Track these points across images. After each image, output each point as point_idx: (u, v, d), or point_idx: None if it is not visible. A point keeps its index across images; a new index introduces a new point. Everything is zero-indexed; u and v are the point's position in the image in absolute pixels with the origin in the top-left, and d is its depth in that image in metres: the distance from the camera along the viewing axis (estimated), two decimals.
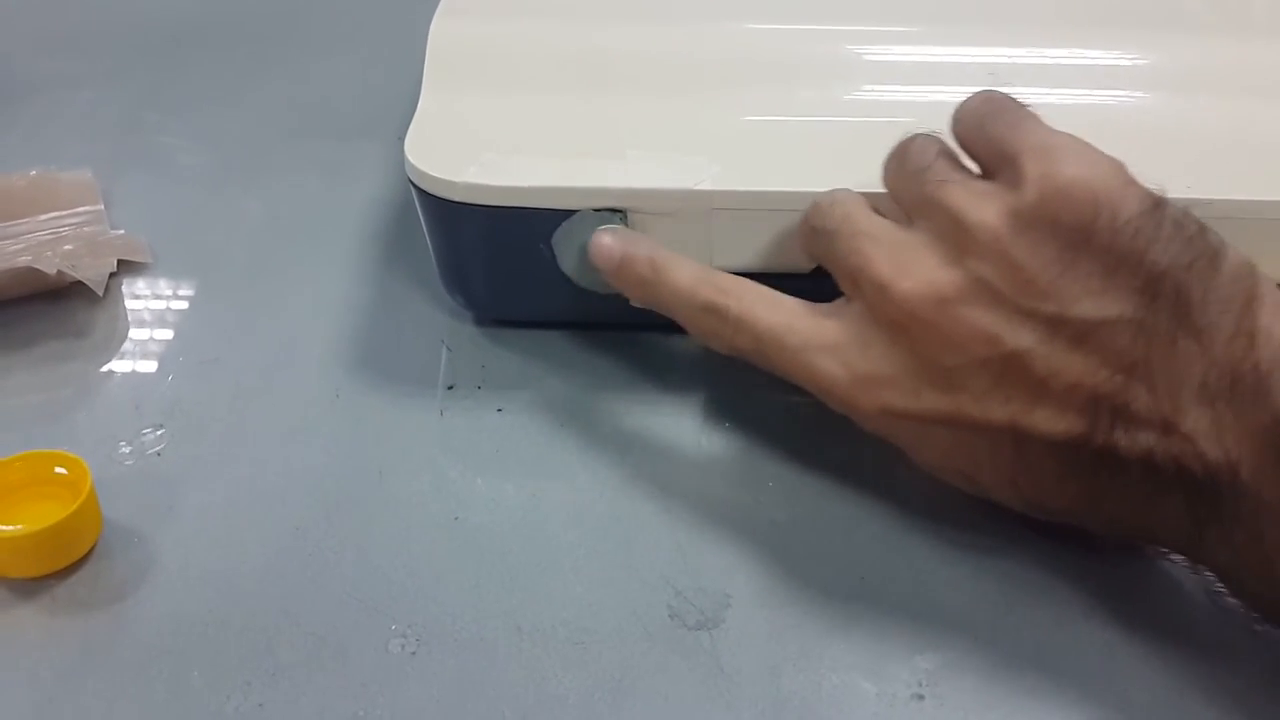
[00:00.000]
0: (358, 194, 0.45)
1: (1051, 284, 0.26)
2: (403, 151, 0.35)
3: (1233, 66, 0.38)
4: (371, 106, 0.51)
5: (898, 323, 0.28)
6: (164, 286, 0.41)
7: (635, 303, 0.34)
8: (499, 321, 0.38)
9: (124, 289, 0.41)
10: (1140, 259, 0.26)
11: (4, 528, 0.30)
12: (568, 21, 0.40)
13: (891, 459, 0.31)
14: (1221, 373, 0.25)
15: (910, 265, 0.28)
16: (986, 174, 0.29)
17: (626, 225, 0.34)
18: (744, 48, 0.39)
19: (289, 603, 0.29)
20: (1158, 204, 0.26)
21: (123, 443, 0.34)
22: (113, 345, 0.38)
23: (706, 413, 0.35)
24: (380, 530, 0.31)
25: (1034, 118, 0.29)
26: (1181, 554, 0.28)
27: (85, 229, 0.42)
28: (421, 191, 0.35)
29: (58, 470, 0.31)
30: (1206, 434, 0.25)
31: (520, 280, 0.36)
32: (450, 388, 0.36)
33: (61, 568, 0.30)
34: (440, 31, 0.39)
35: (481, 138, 0.36)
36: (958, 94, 0.36)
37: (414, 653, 0.28)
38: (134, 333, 0.39)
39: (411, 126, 0.36)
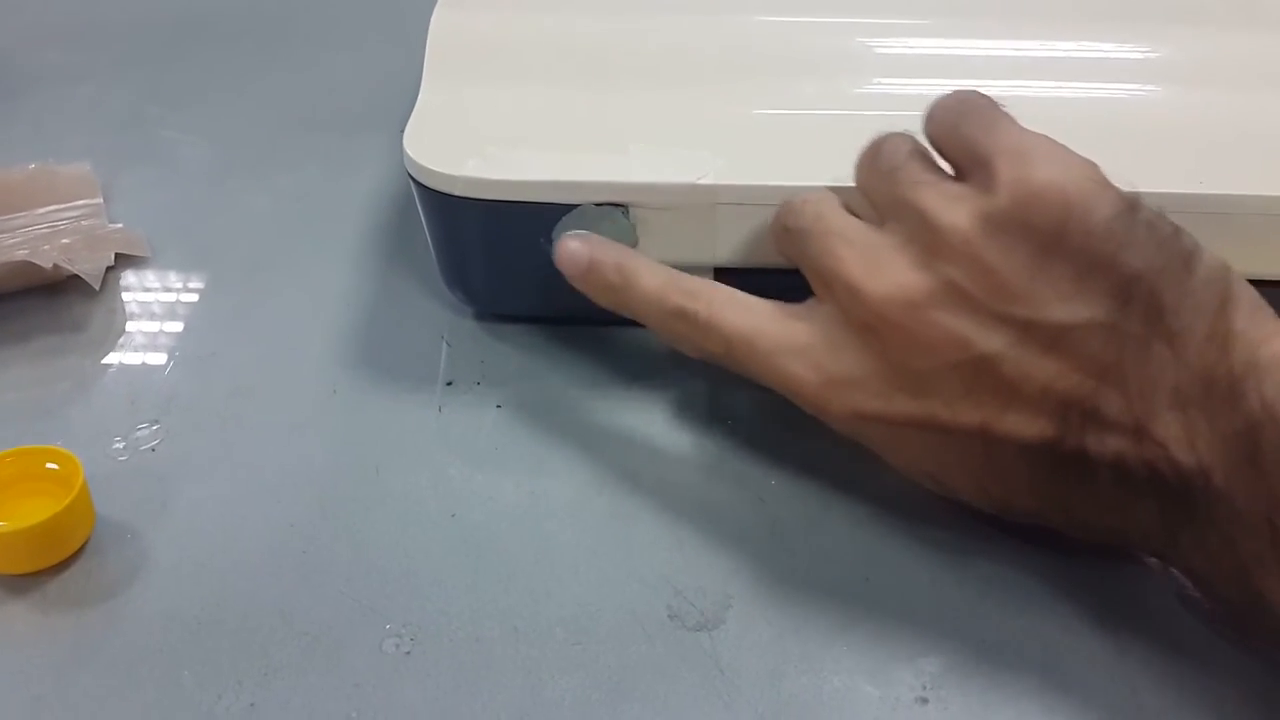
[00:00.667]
0: (359, 187, 0.45)
1: (1023, 288, 0.26)
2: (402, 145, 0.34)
3: (1246, 60, 0.38)
4: (373, 99, 0.50)
5: (868, 325, 0.28)
6: (162, 281, 0.40)
7: (603, 306, 0.33)
8: (499, 317, 0.38)
9: (122, 283, 0.40)
10: (1113, 262, 0.25)
11: None
12: (570, 13, 0.39)
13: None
14: (1194, 377, 0.25)
15: (881, 267, 0.28)
16: (959, 175, 0.29)
17: (628, 219, 0.34)
18: (749, 40, 0.38)
19: (282, 601, 0.29)
20: (1131, 206, 0.26)
21: (117, 438, 0.33)
22: (109, 340, 0.38)
23: (709, 410, 0.35)
24: (376, 528, 0.31)
25: (1008, 118, 0.29)
26: (1154, 557, 0.28)
27: (83, 222, 0.42)
28: (421, 185, 0.34)
29: (49, 466, 0.30)
30: (1179, 439, 0.25)
31: (521, 275, 0.36)
32: (449, 384, 0.36)
33: (53, 564, 0.30)
34: (441, 23, 0.39)
35: (482, 131, 0.35)
36: (968, 87, 0.36)
37: (409, 653, 0.28)
38: (131, 327, 0.38)
39: (411, 119, 0.35)
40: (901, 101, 0.36)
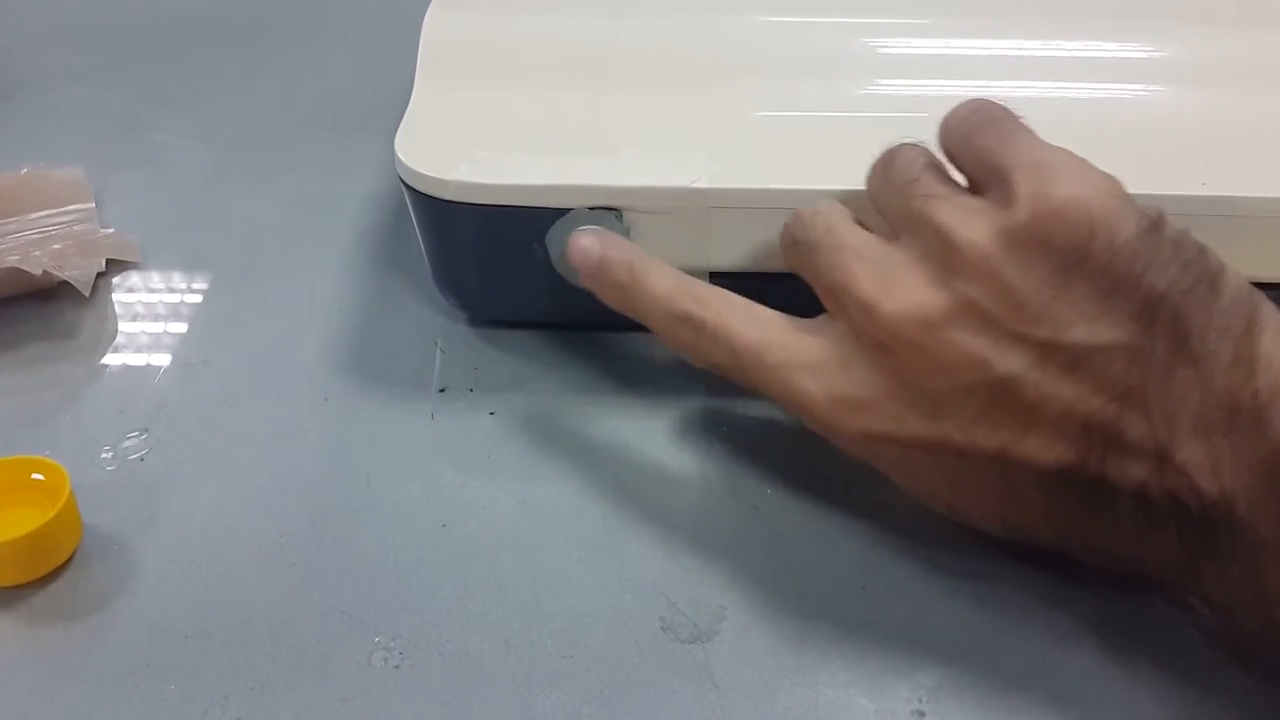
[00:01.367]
0: (353, 191, 0.44)
1: (1044, 308, 0.25)
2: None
3: (1253, 59, 0.37)
4: (367, 101, 0.50)
5: (882, 344, 0.27)
6: (154, 286, 0.40)
7: (611, 306, 0.32)
8: (493, 322, 0.38)
9: (113, 289, 0.40)
10: (1137, 283, 0.25)
11: None
12: (565, 15, 0.39)
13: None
14: (1220, 402, 0.24)
15: (896, 284, 0.27)
16: (975, 188, 0.28)
17: (622, 224, 0.33)
18: (744, 41, 0.38)
19: (270, 613, 0.29)
20: (1155, 225, 0.25)
21: (106, 447, 0.33)
22: (100, 347, 0.37)
23: (705, 418, 0.34)
24: (366, 538, 0.30)
25: (1026, 130, 0.28)
26: (1174, 587, 0.27)
27: (75, 228, 0.42)
28: (412, 190, 0.34)
29: (35, 477, 0.30)
30: (1202, 467, 0.24)
31: (514, 280, 0.35)
32: (442, 390, 0.35)
33: (39, 576, 0.29)
34: (434, 26, 0.38)
35: (474, 134, 0.35)
36: (971, 88, 0.35)
37: (397, 666, 0.27)
38: (122, 334, 0.38)
39: (402, 123, 0.35)
40: (900, 103, 0.36)
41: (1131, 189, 0.27)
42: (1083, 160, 0.26)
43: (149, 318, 0.39)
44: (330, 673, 0.27)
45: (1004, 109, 0.29)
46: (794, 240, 0.30)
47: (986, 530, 0.29)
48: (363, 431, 0.34)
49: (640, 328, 0.34)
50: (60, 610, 0.29)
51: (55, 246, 0.40)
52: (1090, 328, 0.25)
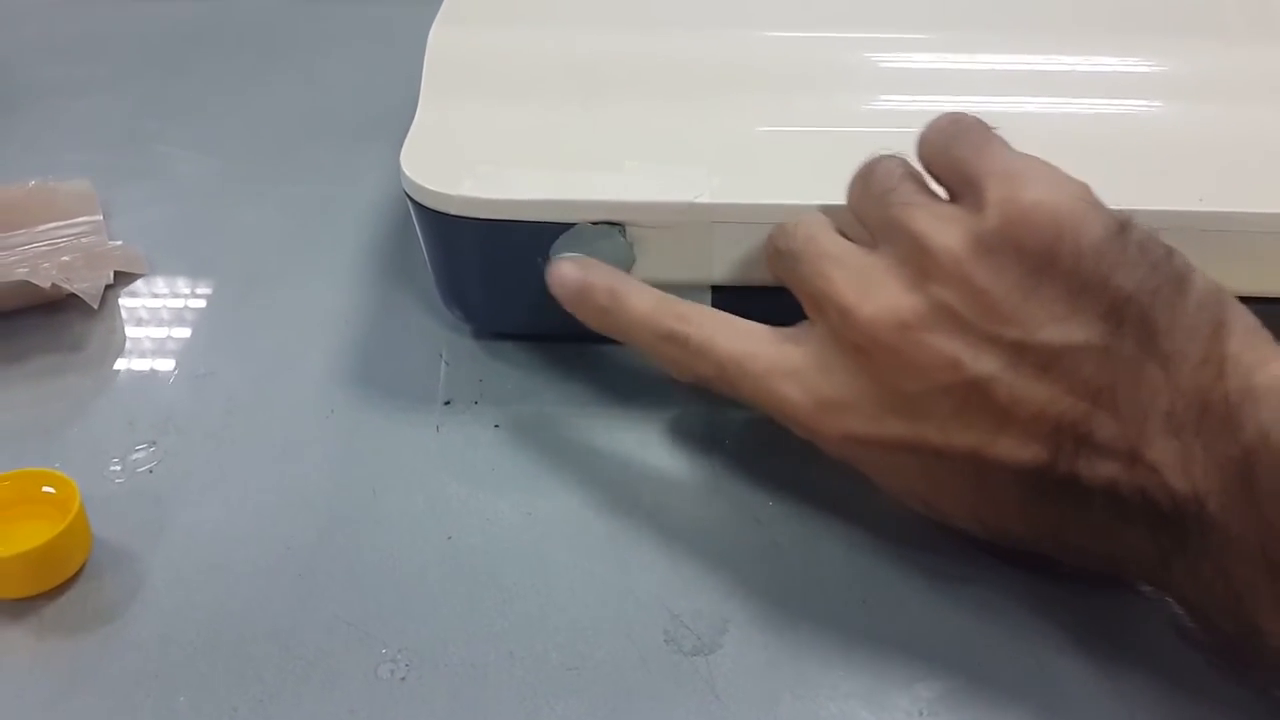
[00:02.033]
0: (359, 203, 0.45)
1: (1015, 309, 0.26)
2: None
3: (1251, 74, 0.37)
4: (373, 112, 0.50)
5: (860, 347, 0.28)
6: (161, 298, 0.41)
7: (595, 330, 0.33)
8: (498, 335, 0.38)
9: (121, 301, 0.40)
10: (1104, 284, 0.25)
11: None
12: (569, 30, 0.39)
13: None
14: (1189, 402, 0.25)
15: (873, 289, 0.27)
16: (951, 198, 0.29)
17: (626, 238, 0.33)
18: (747, 57, 0.38)
19: (278, 624, 0.29)
20: (1123, 228, 0.26)
21: (115, 460, 0.33)
22: (108, 359, 0.38)
23: (708, 430, 0.35)
24: (372, 550, 0.31)
25: (999, 140, 0.28)
26: (1149, 585, 0.27)
27: (83, 240, 0.42)
28: (418, 204, 0.34)
29: (46, 489, 0.31)
30: (1172, 465, 0.25)
31: (518, 294, 0.36)
32: (447, 403, 0.36)
33: (49, 589, 0.30)
34: (439, 41, 0.39)
35: (479, 149, 0.35)
36: (971, 103, 0.35)
37: (404, 678, 0.28)
38: (130, 346, 0.38)
39: (408, 138, 0.35)
40: (901, 118, 0.36)
41: (1128, 204, 0.27)
42: (1053, 167, 0.27)
43: (156, 330, 0.39)
44: (337, 684, 0.27)
45: (979, 121, 0.29)
46: (777, 250, 0.31)
47: (965, 529, 0.29)
48: (368, 444, 0.34)
49: None
50: (70, 622, 0.29)
51: (64, 259, 0.40)
52: (1060, 328, 0.25)
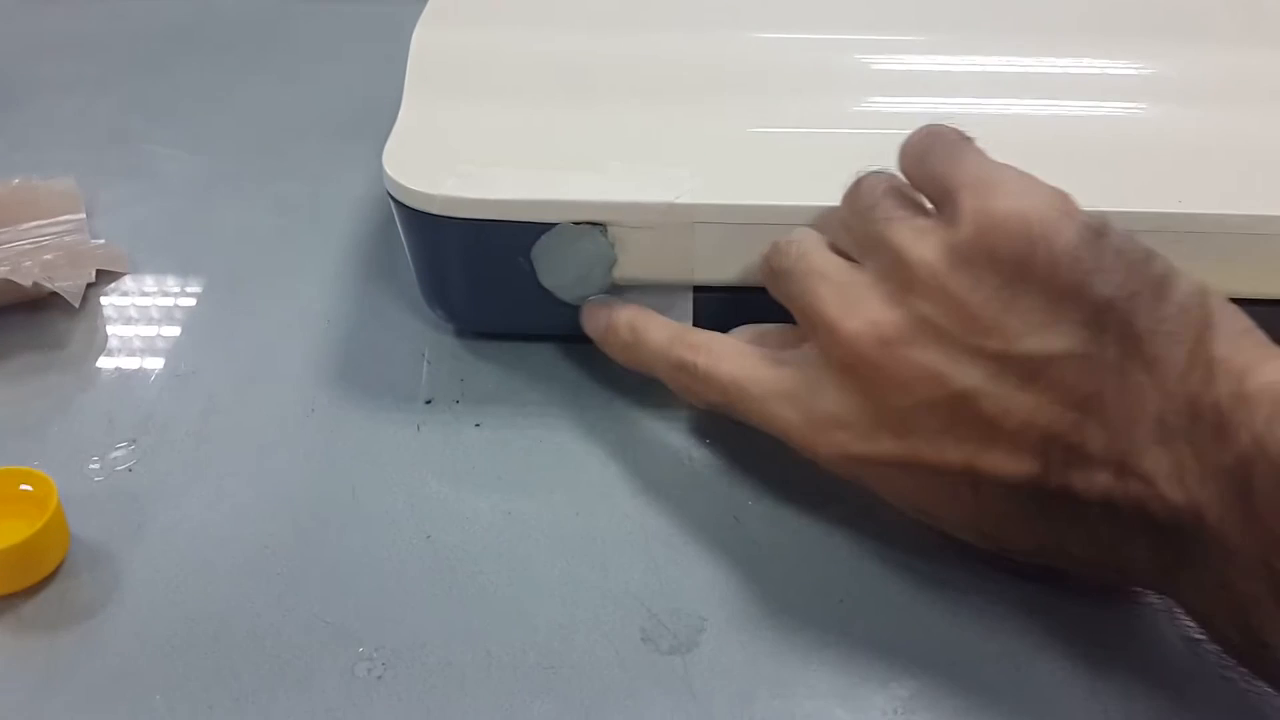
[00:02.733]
0: (344, 202, 0.45)
1: (994, 320, 0.26)
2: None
3: (1241, 76, 0.37)
4: (358, 112, 0.50)
5: (846, 364, 0.28)
6: (144, 297, 0.40)
7: (626, 365, 0.34)
8: (480, 334, 0.38)
9: (103, 299, 0.40)
10: (1082, 290, 0.25)
11: None
12: (552, 31, 0.39)
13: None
14: (1179, 408, 0.24)
15: (856, 305, 0.28)
16: (934, 208, 0.29)
17: (607, 238, 0.33)
18: (729, 58, 0.38)
19: (255, 623, 0.29)
20: (1098, 232, 0.26)
21: (94, 458, 0.33)
22: (90, 357, 0.38)
23: (688, 429, 0.35)
24: (351, 549, 0.31)
25: (974, 150, 0.28)
26: (1157, 594, 0.27)
27: (66, 238, 0.42)
28: (400, 204, 0.34)
29: (24, 488, 0.30)
30: (1167, 475, 0.24)
31: (500, 293, 0.36)
32: (428, 402, 0.36)
33: (27, 586, 0.30)
34: (422, 41, 0.39)
35: (461, 149, 0.35)
36: (958, 105, 0.36)
37: (380, 677, 0.28)
38: (111, 345, 0.38)
39: (390, 137, 0.35)
40: (886, 119, 0.36)
41: (1113, 206, 0.27)
42: (1027, 175, 0.27)
43: (138, 328, 0.39)
44: (314, 683, 0.27)
45: (955, 131, 0.29)
46: (772, 269, 0.31)
47: (970, 542, 0.29)
48: (349, 443, 0.34)
49: None
50: (47, 620, 0.29)
51: (46, 257, 0.40)
52: (1040, 337, 0.25)
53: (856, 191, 0.30)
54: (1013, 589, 0.29)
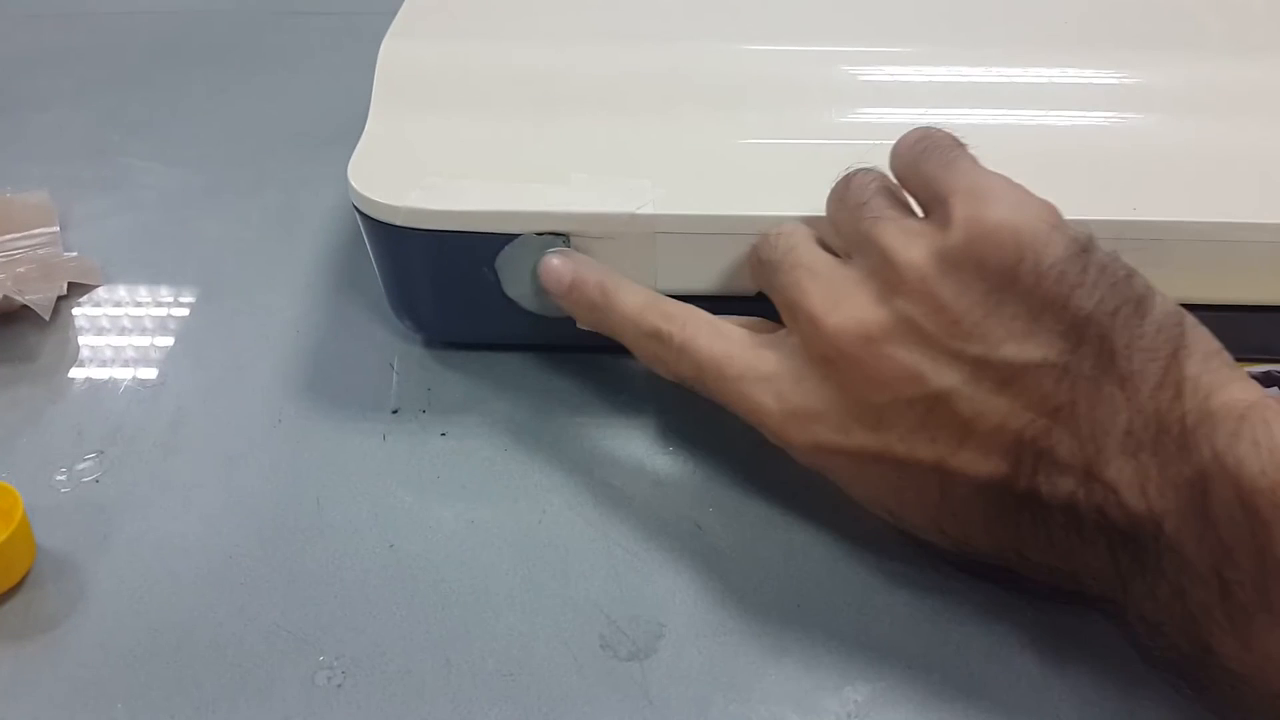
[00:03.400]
0: (316, 214, 0.45)
1: (977, 325, 0.26)
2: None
3: (1234, 87, 0.38)
4: (330, 125, 0.51)
5: (827, 358, 0.28)
6: (115, 309, 0.41)
7: (583, 326, 0.34)
8: (448, 343, 0.38)
9: (75, 311, 0.41)
10: (1064, 304, 0.26)
11: None
12: (519, 44, 0.39)
13: (835, 487, 0.30)
14: (1147, 422, 0.25)
15: (841, 301, 0.28)
16: (923, 212, 0.29)
17: (570, 249, 0.34)
18: (693, 69, 0.38)
19: (218, 633, 0.29)
20: (1084, 248, 0.26)
21: (61, 470, 0.34)
22: (60, 369, 0.38)
23: (651, 437, 0.35)
24: (314, 559, 0.31)
25: (968, 157, 0.29)
26: (1108, 603, 0.27)
27: (38, 251, 0.42)
28: (365, 216, 0.35)
29: None
30: (1130, 484, 0.25)
31: (466, 304, 0.36)
32: (395, 411, 0.36)
33: None
34: (389, 54, 0.39)
35: (427, 161, 0.35)
36: (929, 116, 0.36)
37: (340, 685, 0.28)
38: (82, 356, 0.39)
39: (356, 150, 0.36)
40: (848, 130, 0.36)
41: (1090, 214, 0.27)
42: (1018, 186, 0.27)
43: (108, 340, 0.39)
44: (274, 692, 0.28)
45: (948, 136, 0.30)
46: (759, 260, 0.31)
47: (929, 540, 0.29)
48: (315, 453, 0.34)
49: (589, 348, 0.35)
50: (11, 630, 0.29)
51: (19, 270, 0.41)
52: (1020, 346, 0.26)
53: (846, 188, 0.30)
54: (969, 592, 0.30)
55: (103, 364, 0.38)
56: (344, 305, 0.40)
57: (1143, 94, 0.37)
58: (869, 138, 0.31)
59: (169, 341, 0.39)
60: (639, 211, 0.33)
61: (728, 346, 0.30)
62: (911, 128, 0.31)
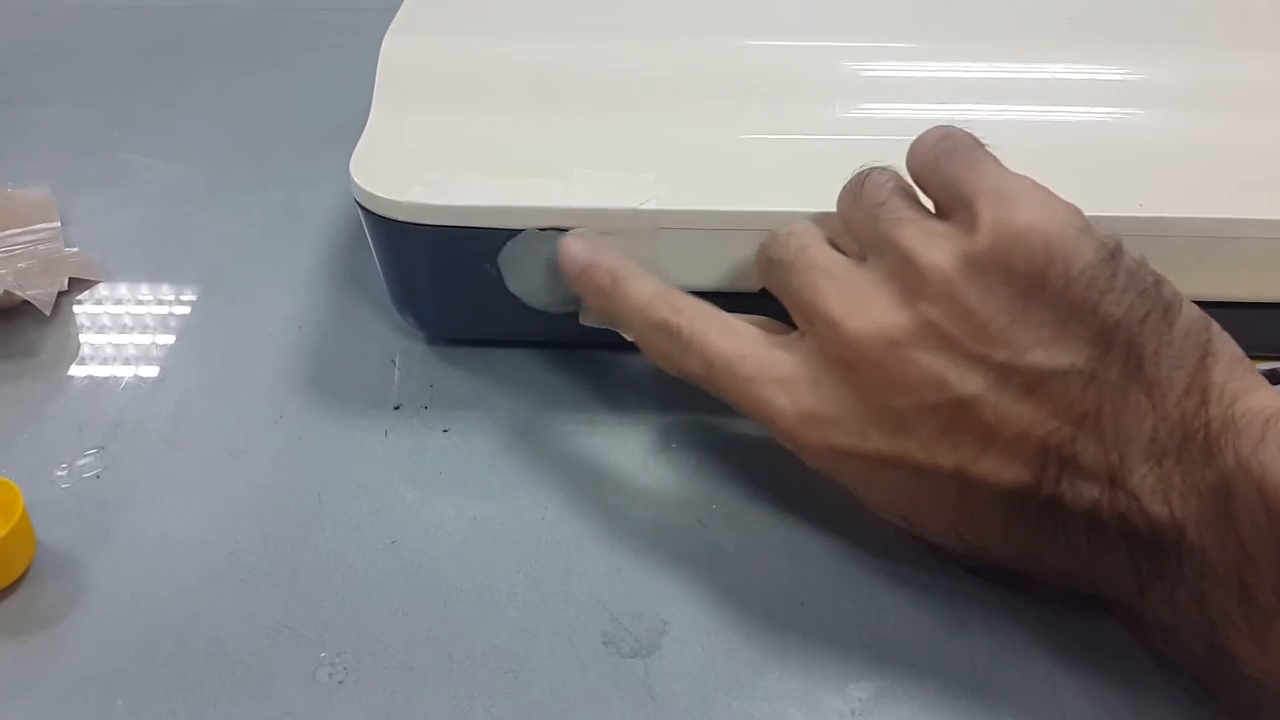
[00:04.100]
0: (319, 210, 0.45)
1: (1003, 331, 0.26)
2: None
3: (1240, 82, 0.37)
4: (337, 121, 0.50)
5: (847, 362, 0.27)
6: (116, 305, 0.41)
7: (590, 314, 0.33)
8: (450, 340, 0.38)
9: (76, 307, 0.40)
10: (1094, 310, 0.25)
11: None
12: (522, 39, 0.39)
13: (838, 486, 0.30)
14: (1172, 428, 0.25)
15: (861, 304, 0.27)
16: (941, 213, 0.29)
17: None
18: (696, 65, 0.38)
19: (219, 629, 0.29)
20: (1113, 254, 0.26)
21: (62, 465, 0.34)
22: (61, 365, 0.38)
23: (654, 434, 0.35)
24: (315, 555, 0.31)
25: (991, 158, 0.28)
26: (1125, 609, 0.27)
27: (40, 247, 0.42)
28: (367, 211, 0.34)
29: None
30: (1152, 491, 0.25)
31: (468, 300, 0.36)
32: (397, 408, 0.36)
33: None
34: (391, 49, 0.39)
35: (429, 157, 0.35)
36: (937, 112, 0.35)
37: (341, 681, 0.28)
38: (83, 352, 0.38)
39: (358, 146, 0.36)
40: (852, 126, 0.36)
41: (1097, 210, 0.27)
42: (1045, 189, 0.27)
43: (109, 336, 0.39)
44: (275, 688, 0.28)
45: (970, 136, 0.29)
46: (768, 259, 0.31)
47: (944, 545, 0.29)
48: (316, 449, 0.34)
49: (592, 344, 0.35)
50: (11, 626, 0.29)
51: (20, 265, 0.40)
52: (1047, 352, 0.25)
53: (861, 187, 0.30)
54: (974, 591, 0.30)
55: (104, 359, 0.38)
56: (345, 301, 0.40)
57: (1148, 89, 0.37)
58: (875, 133, 0.31)
59: (170, 337, 0.39)
60: (642, 207, 0.33)
61: (740, 346, 0.30)
62: (919, 124, 0.30)
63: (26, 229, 0.43)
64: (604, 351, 0.37)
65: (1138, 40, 0.39)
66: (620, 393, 0.36)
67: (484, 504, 0.32)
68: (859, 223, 0.29)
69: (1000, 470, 0.26)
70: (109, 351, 0.38)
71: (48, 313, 0.39)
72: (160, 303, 0.41)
